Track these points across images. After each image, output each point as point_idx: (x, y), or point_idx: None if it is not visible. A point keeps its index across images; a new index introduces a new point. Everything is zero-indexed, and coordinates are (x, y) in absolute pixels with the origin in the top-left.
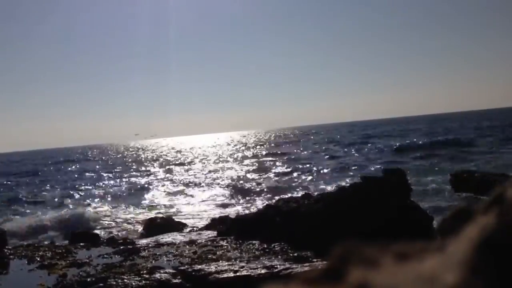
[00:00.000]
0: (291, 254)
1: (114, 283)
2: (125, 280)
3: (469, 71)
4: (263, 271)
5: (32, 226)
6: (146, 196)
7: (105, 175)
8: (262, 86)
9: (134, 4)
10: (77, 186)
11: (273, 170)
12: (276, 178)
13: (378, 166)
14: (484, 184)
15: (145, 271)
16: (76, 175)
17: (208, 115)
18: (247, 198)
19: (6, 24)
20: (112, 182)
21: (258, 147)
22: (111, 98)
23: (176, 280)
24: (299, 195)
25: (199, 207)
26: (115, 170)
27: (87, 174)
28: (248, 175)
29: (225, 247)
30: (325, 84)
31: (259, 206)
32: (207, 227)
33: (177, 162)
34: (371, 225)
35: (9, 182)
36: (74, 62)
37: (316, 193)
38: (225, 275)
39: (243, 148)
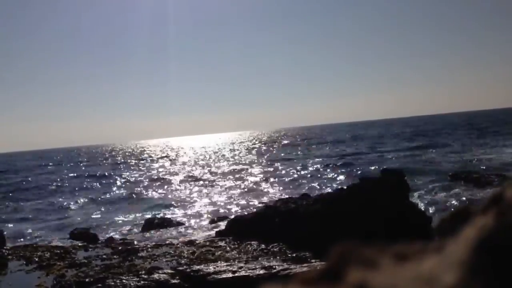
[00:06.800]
0: (289, 255)
1: (113, 283)
2: (124, 281)
3: (469, 71)
4: (261, 272)
5: None
6: (145, 196)
7: (101, 174)
8: (263, 86)
9: (134, 5)
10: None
11: (272, 170)
12: (275, 178)
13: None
14: (483, 184)
15: (143, 272)
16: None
17: (209, 116)
18: (245, 198)
19: (6, 25)
20: (111, 181)
21: (257, 147)
22: (110, 99)
23: (175, 281)
24: (298, 195)
25: (197, 208)
26: (114, 169)
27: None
28: (247, 175)
29: (224, 247)
30: (327, 84)
31: (258, 207)
32: (205, 228)
33: (175, 162)
34: (370, 225)
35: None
36: (73, 62)
37: (314, 194)
38: (223, 276)
39: (243, 148)
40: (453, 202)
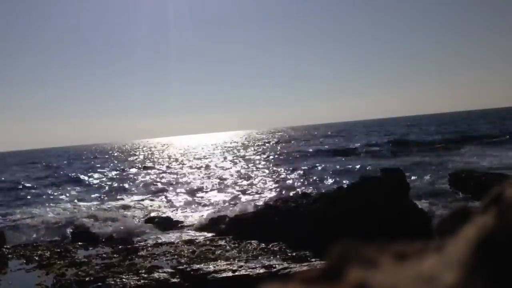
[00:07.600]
0: (289, 254)
1: (113, 282)
2: (124, 280)
3: (469, 71)
4: (261, 271)
5: None
6: (145, 196)
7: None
8: (263, 86)
9: (133, 4)
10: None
11: (272, 169)
12: (275, 178)
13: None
14: (483, 183)
15: (143, 271)
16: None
17: (208, 115)
18: (246, 197)
19: (6, 25)
20: (106, 179)
21: (257, 146)
22: (110, 98)
23: (175, 280)
24: (298, 194)
25: (197, 207)
26: (109, 169)
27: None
28: (248, 175)
29: (224, 246)
30: (326, 83)
31: (258, 206)
32: (205, 227)
33: (174, 162)
34: (370, 224)
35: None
36: (73, 62)
37: (314, 192)
38: (223, 275)
39: (242, 147)
40: (453, 202)
